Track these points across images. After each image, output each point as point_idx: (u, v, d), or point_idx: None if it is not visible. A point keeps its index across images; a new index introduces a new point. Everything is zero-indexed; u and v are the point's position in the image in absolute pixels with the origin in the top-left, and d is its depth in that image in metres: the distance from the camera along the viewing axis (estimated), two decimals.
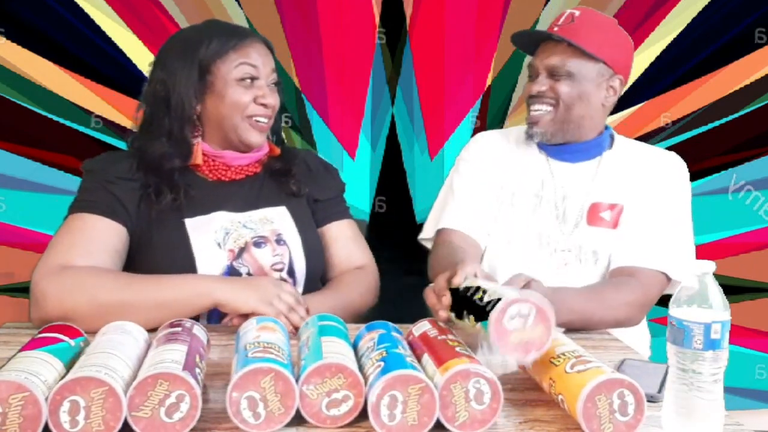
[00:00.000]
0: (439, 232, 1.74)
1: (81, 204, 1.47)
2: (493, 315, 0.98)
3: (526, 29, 1.72)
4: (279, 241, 1.54)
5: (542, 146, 1.72)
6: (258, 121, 1.54)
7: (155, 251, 1.47)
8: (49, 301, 1.33)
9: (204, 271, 1.46)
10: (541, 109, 1.65)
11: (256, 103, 1.52)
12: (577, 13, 1.63)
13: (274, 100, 1.55)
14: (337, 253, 1.66)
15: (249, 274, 1.49)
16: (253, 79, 1.52)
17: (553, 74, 1.63)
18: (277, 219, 1.57)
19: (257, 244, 1.51)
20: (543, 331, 0.98)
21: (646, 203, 1.65)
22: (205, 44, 1.51)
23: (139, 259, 1.48)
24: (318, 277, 1.60)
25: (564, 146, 1.69)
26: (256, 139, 1.55)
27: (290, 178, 1.62)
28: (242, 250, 1.50)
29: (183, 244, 1.47)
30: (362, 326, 1.13)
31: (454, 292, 1.18)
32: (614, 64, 1.64)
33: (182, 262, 1.46)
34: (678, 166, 1.71)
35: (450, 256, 1.57)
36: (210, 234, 1.49)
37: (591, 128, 1.69)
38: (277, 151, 1.63)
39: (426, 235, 1.79)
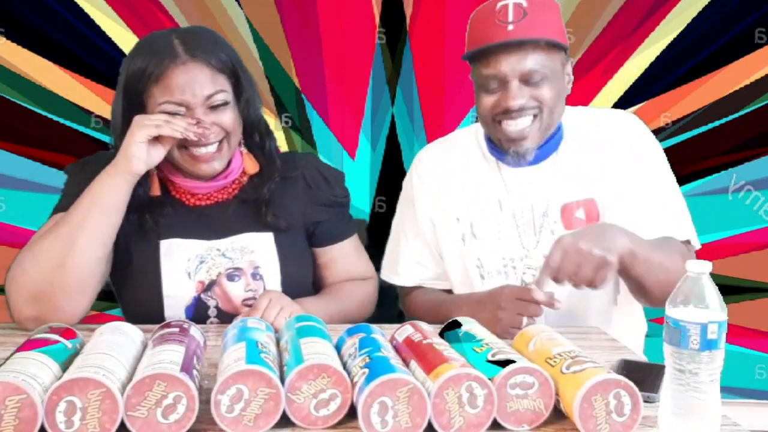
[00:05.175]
0: (403, 287, 1.70)
1: (60, 205, 1.46)
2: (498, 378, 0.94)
3: (482, 46, 1.46)
4: (255, 275, 1.48)
5: (493, 152, 1.58)
6: (195, 153, 1.43)
7: (126, 267, 1.46)
8: (12, 293, 1.34)
9: (170, 299, 1.45)
10: (522, 123, 1.47)
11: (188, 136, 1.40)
12: (524, 3, 1.43)
13: (209, 126, 1.41)
14: (335, 274, 1.62)
15: (217, 308, 1.47)
16: (179, 113, 1.40)
17: (529, 80, 1.45)
18: (259, 248, 1.50)
19: (231, 277, 1.47)
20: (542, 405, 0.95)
21: (625, 184, 1.52)
22: (132, 82, 1.41)
23: (112, 270, 1.45)
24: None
25: None
26: (204, 169, 1.46)
27: (267, 209, 1.51)
28: (213, 282, 1.47)
29: (153, 268, 1.45)
30: (343, 329, 1.12)
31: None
32: (565, 44, 1.50)
33: (150, 286, 1.45)
34: (635, 127, 1.58)
35: (438, 307, 1.55)
36: (182, 261, 1.46)
37: (557, 125, 1.55)
38: (253, 169, 1.53)
39: (385, 278, 1.71)
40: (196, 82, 1.40)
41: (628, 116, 1.61)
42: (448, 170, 1.64)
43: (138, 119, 1.37)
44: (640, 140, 1.57)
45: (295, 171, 1.58)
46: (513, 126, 1.48)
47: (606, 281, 1.32)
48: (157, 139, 1.38)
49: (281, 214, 1.52)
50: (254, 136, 1.54)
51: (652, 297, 1.44)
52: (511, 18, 1.43)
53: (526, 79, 1.45)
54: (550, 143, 1.55)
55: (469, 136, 1.66)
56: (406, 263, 1.68)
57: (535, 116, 1.48)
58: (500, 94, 1.47)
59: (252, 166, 1.53)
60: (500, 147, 1.54)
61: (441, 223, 1.63)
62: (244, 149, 1.54)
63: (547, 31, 1.45)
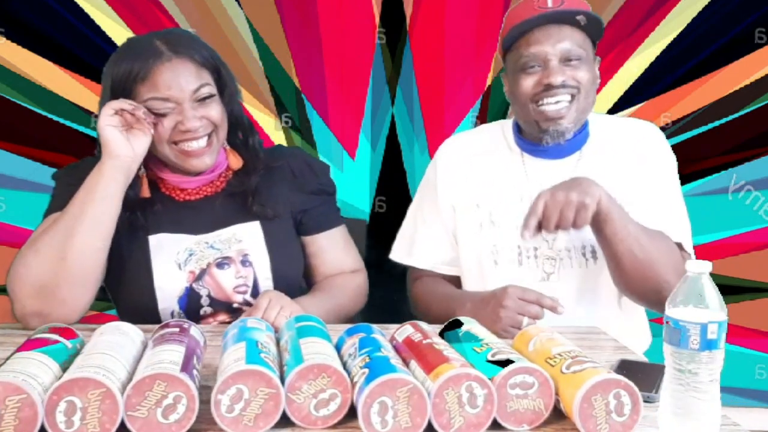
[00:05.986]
0: (414, 268, 1.73)
1: (51, 208, 1.48)
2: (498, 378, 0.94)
3: (526, 19, 1.52)
4: (244, 262, 1.50)
5: (520, 142, 1.63)
6: (186, 148, 1.45)
7: (117, 264, 1.46)
8: (15, 288, 1.35)
9: (162, 291, 1.46)
10: (562, 101, 1.52)
11: (178, 130, 1.43)
12: None
13: (198, 121, 1.43)
14: (325, 263, 1.63)
15: (209, 296, 1.48)
16: (165, 109, 1.42)
17: (568, 60, 1.51)
18: (247, 237, 1.52)
19: (220, 266, 1.48)
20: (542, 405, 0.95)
21: (638, 188, 1.56)
22: (119, 84, 1.43)
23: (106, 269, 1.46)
24: (288, 296, 1.47)
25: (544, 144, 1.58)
26: (196, 164, 1.48)
27: (253, 199, 1.53)
28: (203, 271, 1.48)
29: (143, 262, 1.47)
30: (343, 329, 1.12)
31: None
32: (601, 23, 1.55)
33: (141, 279, 1.46)
34: (656, 138, 1.63)
35: (444, 300, 1.59)
36: (172, 254, 1.48)
37: (589, 113, 1.60)
38: (237, 165, 1.55)
39: (397, 259, 1.74)
40: (182, 77, 1.43)
41: (649, 125, 1.66)
42: (472, 158, 1.68)
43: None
44: (657, 148, 1.62)
45: (280, 161, 1.60)
46: (552, 106, 1.53)
47: (586, 221, 1.39)
48: (131, 129, 1.41)
49: (267, 204, 1.54)
50: (237, 132, 1.57)
51: (624, 272, 1.46)
52: (550, 4, 1.51)
53: (566, 59, 1.52)
54: (576, 139, 1.59)
55: (495, 129, 1.70)
56: (422, 245, 1.71)
57: (573, 97, 1.53)
58: (540, 73, 1.53)
59: (236, 162, 1.56)
60: (537, 130, 1.57)
61: (461, 209, 1.66)
62: (227, 145, 1.56)
63: (587, 11, 1.52)
